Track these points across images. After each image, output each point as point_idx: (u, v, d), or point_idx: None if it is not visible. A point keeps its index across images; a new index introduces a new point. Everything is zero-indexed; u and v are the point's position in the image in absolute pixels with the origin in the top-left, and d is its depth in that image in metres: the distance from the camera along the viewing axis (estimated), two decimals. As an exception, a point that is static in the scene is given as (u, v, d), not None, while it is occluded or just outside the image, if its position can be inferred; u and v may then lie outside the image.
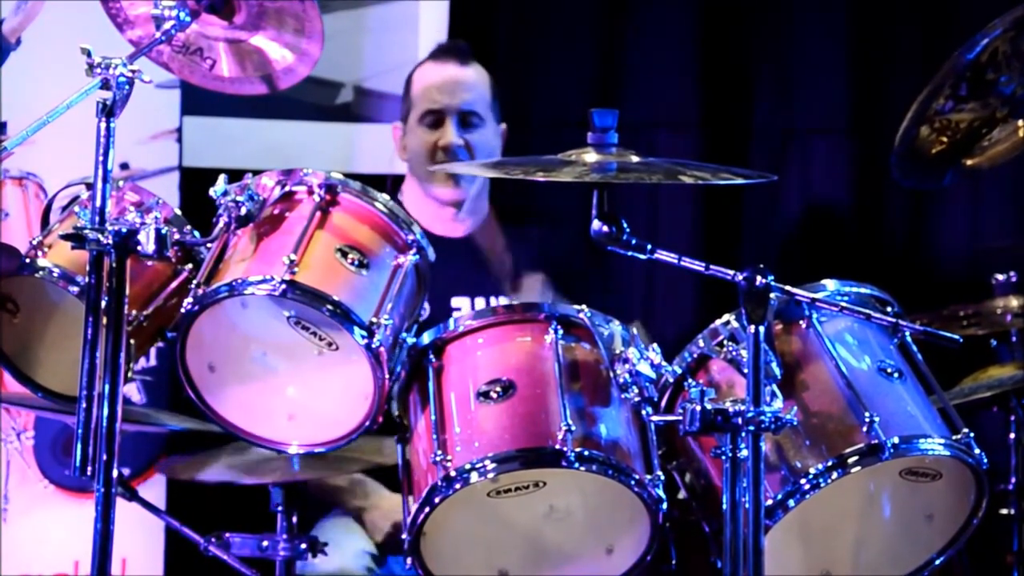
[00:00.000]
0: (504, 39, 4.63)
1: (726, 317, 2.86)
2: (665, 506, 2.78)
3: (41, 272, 2.89)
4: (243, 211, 2.84)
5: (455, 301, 3.78)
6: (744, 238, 4.66)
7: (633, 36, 4.64)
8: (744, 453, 2.61)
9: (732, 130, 4.65)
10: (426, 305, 2.93)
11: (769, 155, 4.64)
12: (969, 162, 3.22)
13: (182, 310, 2.80)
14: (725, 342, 2.83)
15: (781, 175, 4.55)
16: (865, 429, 2.79)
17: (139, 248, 2.71)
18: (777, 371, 2.72)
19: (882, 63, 4.63)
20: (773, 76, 4.67)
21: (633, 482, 2.76)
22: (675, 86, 4.66)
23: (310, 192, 2.90)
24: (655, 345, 2.88)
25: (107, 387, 2.68)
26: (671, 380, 2.91)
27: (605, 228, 2.76)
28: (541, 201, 4.28)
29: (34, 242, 2.94)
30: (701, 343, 2.89)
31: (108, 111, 2.72)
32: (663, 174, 2.81)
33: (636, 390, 2.81)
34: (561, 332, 2.87)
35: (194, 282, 2.82)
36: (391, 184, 4.12)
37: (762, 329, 2.65)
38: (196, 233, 2.93)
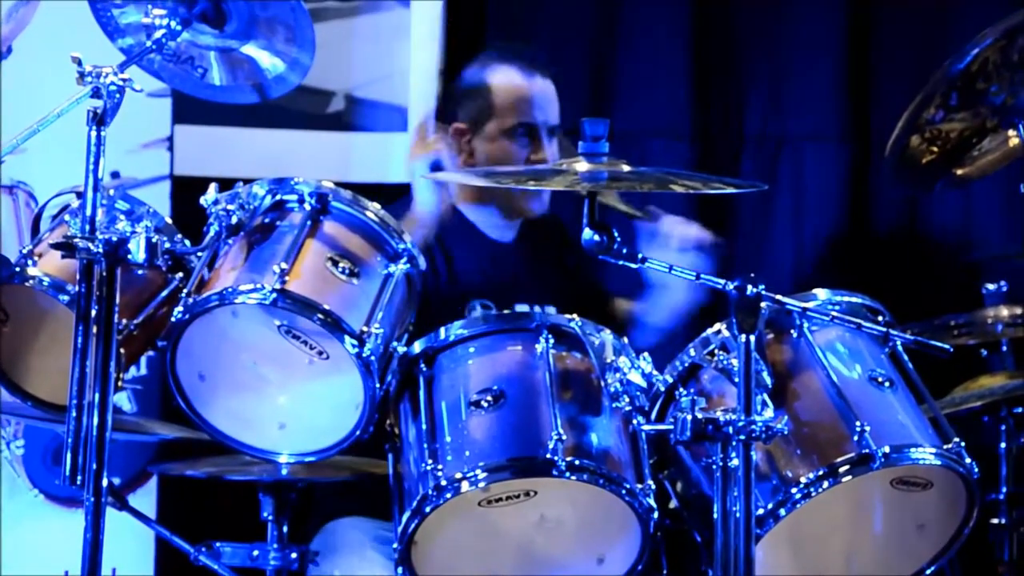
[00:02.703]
0: (495, 48, 4.63)
1: (717, 326, 2.87)
2: (656, 515, 2.78)
3: (31, 281, 2.88)
4: (234, 220, 2.84)
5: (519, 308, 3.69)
6: (736, 246, 4.66)
7: (625, 45, 4.64)
8: (735, 462, 2.62)
9: (724, 138, 4.66)
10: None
11: (761, 163, 4.64)
12: (959, 172, 3.22)
13: (172, 319, 2.80)
14: (716, 351, 2.83)
15: (773, 183, 4.57)
16: (856, 438, 2.79)
17: (129, 257, 2.71)
18: (768, 380, 2.73)
19: (874, 71, 4.63)
20: (765, 84, 4.67)
21: (624, 491, 2.76)
22: (667, 95, 4.66)
23: (301, 201, 2.90)
24: (646, 354, 2.88)
25: (97, 396, 2.67)
26: (662, 389, 2.91)
27: (596, 237, 2.77)
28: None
29: (24, 251, 2.93)
30: (692, 352, 2.90)
31: (99, 120, 2.72)
32: (654, 183, 2.81)
33: (627, 399, 2.81)
34: (552, 341, 2.87)
35: (184, 291, 2.83)
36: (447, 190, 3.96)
37: (753, 338, 2.65)
38: (187, 242, 2.93)
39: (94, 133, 2.72)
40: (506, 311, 2.97)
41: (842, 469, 2.79)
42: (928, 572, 2.93)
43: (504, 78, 3.75)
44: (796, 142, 4.66)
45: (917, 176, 3.20)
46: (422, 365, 2.89)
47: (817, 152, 4.65)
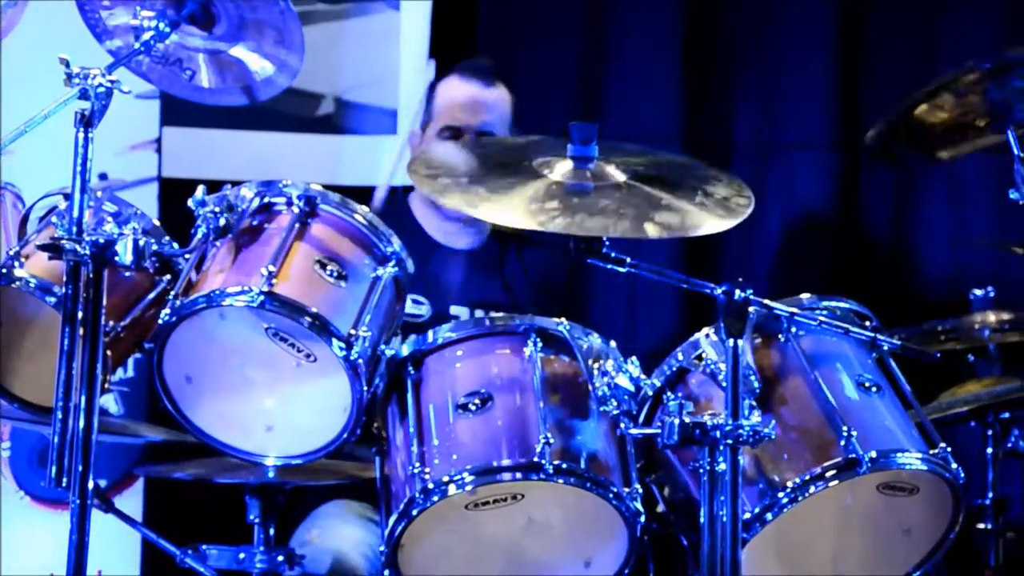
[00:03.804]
0: (486, 52, 4.63)
1: (705, 330, 2.87)
2: (643, 519, 2.78)
3: (18, 283, 2.87)
4: (222, 222, 2.84)
5: (454, 310, 3.77)
6: (725, 252, 4.66)
7: (614, 49, 4.64)
8: (722, 467, 2.62)
9: (714, 143, 4.66)
10: (425, 300, 2.92)
11: (751, 169, 4.65)
12: (945, 155, 3.23)
13: (159, 321, 2.79)
14: (704, 355, 2.83)
15: (763, 189, 4.57)
16: (843, 443, 2.79)
17: (117, 259, 2.71)
18: (756, 385, 2.73)
19: (865, 80, 4.64)
20: (756, 92, 4.68)
21: (611, 495, 2.76)
22: (657, 99, 4.66)
23: (289, 204, 2.90)
24: (634, 358, 2.88)
25: (83, 398, 2.67)
26: (650, 393, 2.91)
27: (583, 244, 2.77)
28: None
29: (11, 252, 2.92)
30: (680, 356, 2.90)
31: (86, 121, 2.71)
32: (629, 223, 2.79)
33: (615, 403, 2.82)
34: (540, 345, 2.87)
35: (172, 293, 2.82)
36: (402, 192, 4.07)
37: (741, 343, 2.65)
38: (175, 244, 2.92)
39: (81, 135, 2.72)
40: (494, 314, 2.97)
41: (829, 474, 2.79)
42: (914, 577, 2.94)
43: (446, 85, 3.92)
44: (786, 149, 4.67)
45: (920, 141, 3.19)
46: (410, 368, 2.89)
47: (807, 159, 4.66)
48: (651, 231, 2.77)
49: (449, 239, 3.87)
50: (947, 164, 3.20)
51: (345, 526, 3.44)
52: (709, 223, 2.83)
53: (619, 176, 2.86)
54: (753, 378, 2.72)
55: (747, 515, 2.76)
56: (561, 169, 2.86)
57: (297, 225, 2.87)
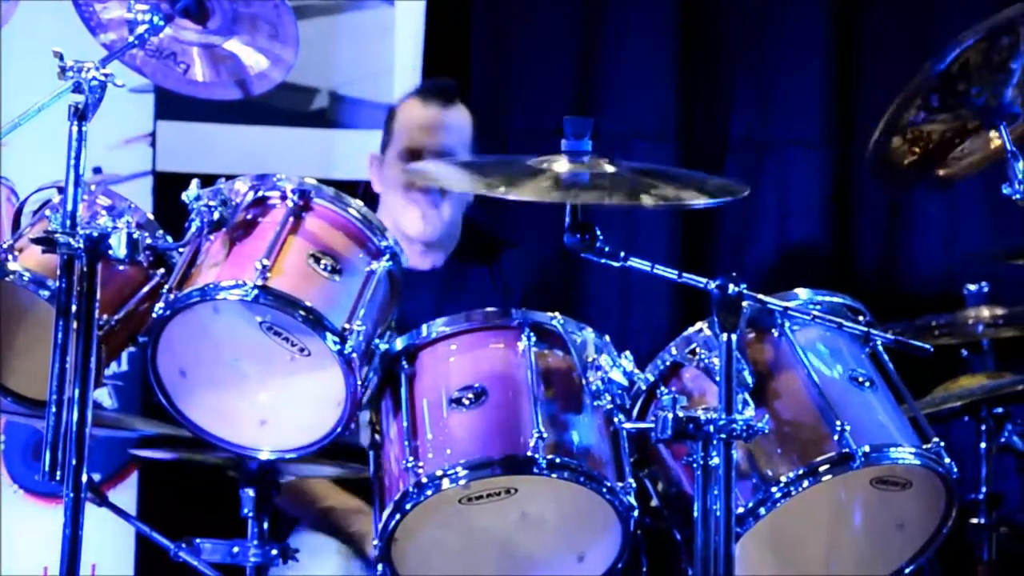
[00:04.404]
0: (481, 47, 4.63)
1: (699, 325, 2.87)
2: (636, 513, 2.78)
3: (11, 276, 2.87)
4: (216, 216, 2.84)
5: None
6: (719, 249, 4.67)
7: (610, 46, 4.64)
8: (716, 461, 2.62)
9: (709, 141, 4.66)
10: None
11: (745, 167, 4.65)
12: (941, 172, 3.23)
13: (153, 315, 2.79)
14: (698, 350, 2.84)
15: (757, 186, 4.57)
16: (836, 438, 2.79)
17: (110, 252, 2.71)
18: (749, 379, 2.73)
19: (859, 77, 4.65)
20: (751, 88, 4.68)
21: (604, 489, 2.76)
22: (652, 97, 4.66)
23: (283, 197, 2.90)
24: (628, 353, 2.88)
25: (77, 392, 2.67)
26: (643, 388, 2.91)
27: (579, 236, 2.77)
28: (513, 215, 4.27)
29: (5, 246, 2.92)
30: (674, 351, 2.90)
31: (80, 115, 2.71)
32: (624, 194, 2.81)
33: (608, 397, 2.82)
34: (534, 339, 2.87)
35: (166, 287, 2.82)
36: (363, 192, 4.11)
37: (734, 337, 2.65)
38: (168, 238, 2.92)
39: (75, 128, 2.72)
40: (489, 309, 2.97)
41: (822, 468, 2.79)
42: (907, 571, 2.94)
43: (404, 107, 3.90)
44: (780, 146, 4.67)
45: (898, 178, 3.20)
46: (404, 362, 2.89)
47: (801, 156, 4.67)
48: (647, 201, 2.80)
49: (414, 261, 3.83)
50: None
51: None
52: (704, 199, 2.86)
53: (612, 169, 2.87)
54: (746, 373, 2.72)
55: (740, 509, 2.76)
56: (559, 166, 2.85)
57: (291, 219, 2.86)
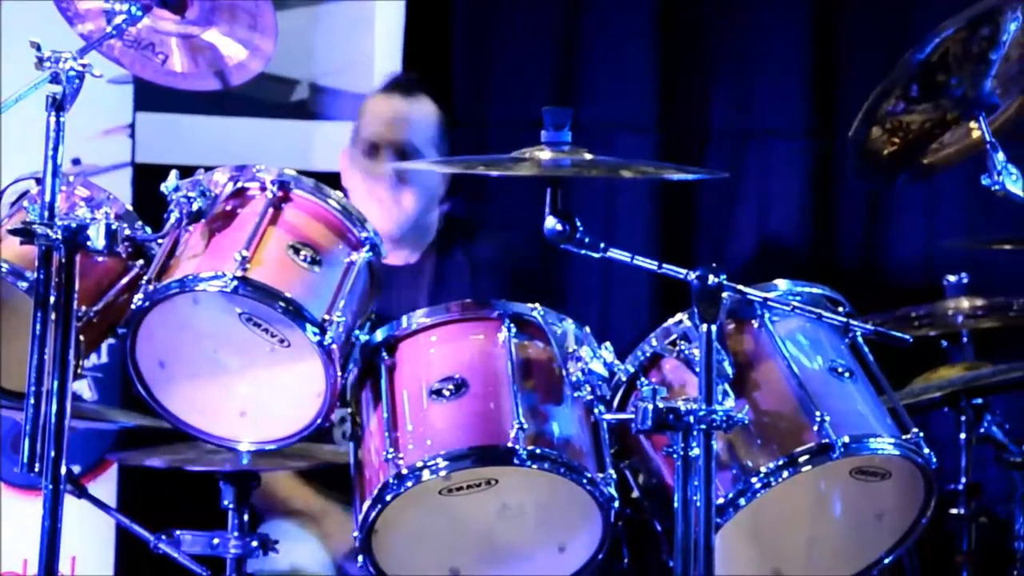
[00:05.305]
0: (461, 38, 4.63)
1: (679, 316, 2.88)
2: (617, 504, 2.78)
3: (-11, 267, 2.86)
4: (195, 207, 2.83)
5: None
6: (700, 240, 4.68)
7: (591, 36, 4.64)
8: (696, 452, 2.62)
9: (690, 132, 4.67)
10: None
11: (727, 157, 4.66)
12: (925, 161, 3.23)
13: (132, 306, 2.79)
14: (678, 341, 2.85)
15: (738, 177, 4.58)
16: (816, 428, 2.80)
17: (89, 244, 2.70)
18: (729, 370, 2.73)
19: (840, 67, 4.65)
20: (731, 79, 4.69)
21: (585, 480, 2.76)
22: (633, 87, 4.66)
23: (263, 188, 2.89)
24: (608, 344, 2.88)
25: (56, 383, 2.66)
26: (624, 379, 2.91)
27: (559, 226, 2.77)
28: (494, 206, 4.27)
29: (-18, 237, 2.91)
30: (654, 342, 2.91)
31: (58, 105, 2.70)
32: (604, 168, 2.83)
33: (589, 388, 2.82)
34: (514, 330, 2.87)
35: (145, 278, 2.81)
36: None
37: (714, 328, 2.66)
38: (148, 229, 2.91)
39: (53, 119, 2.70)
40: (468, 300, 2.96)
41: (802, 459, 2.80)
42: (887, 561, 2.95)
43: (370, 102, 3.91)
44: (762, 137, 4.68)
45: (878, 168, 3.20)
46: (384, 353, 2.89)
47: (782, 147, 4.67)
48: (627, 173, 2.85)
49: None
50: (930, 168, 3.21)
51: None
52: (681, 174, 2.92)
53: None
54: (726, 363, 2.72)
55: (721, 500, 2.76)
56: (540, 155, 2.84)
57: (271, 210, 2.86)
